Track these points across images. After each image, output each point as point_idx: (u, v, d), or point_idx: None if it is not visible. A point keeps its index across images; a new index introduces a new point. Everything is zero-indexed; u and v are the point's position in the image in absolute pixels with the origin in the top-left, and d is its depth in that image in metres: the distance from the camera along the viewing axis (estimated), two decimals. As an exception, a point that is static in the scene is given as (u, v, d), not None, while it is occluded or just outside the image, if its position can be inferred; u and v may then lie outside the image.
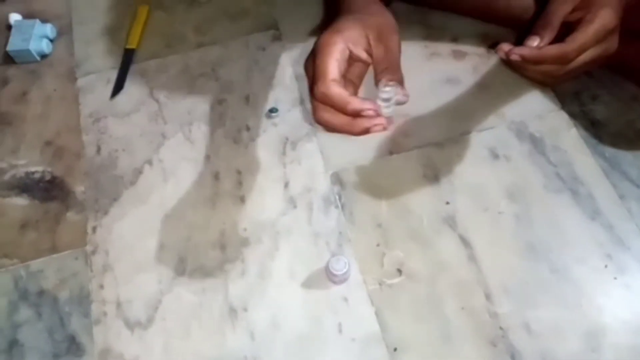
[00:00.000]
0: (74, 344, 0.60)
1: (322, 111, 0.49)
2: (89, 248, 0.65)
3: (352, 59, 0.51)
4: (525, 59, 0.52)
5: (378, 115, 0.48)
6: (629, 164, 0.66)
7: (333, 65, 0.48)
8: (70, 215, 0.68)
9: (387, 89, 0.48)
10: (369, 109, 0.47)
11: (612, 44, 0.53)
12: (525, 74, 0.56)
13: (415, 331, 0.58)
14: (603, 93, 0.71)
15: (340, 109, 0.48)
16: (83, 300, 0.62)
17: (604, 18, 0.51)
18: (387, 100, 0.49)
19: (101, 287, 0.63)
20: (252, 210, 0.66)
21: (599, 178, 0.65)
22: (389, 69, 0.50)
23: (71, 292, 0.63)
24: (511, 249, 0.62)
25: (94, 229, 0.67)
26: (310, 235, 0.64)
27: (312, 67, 0.50)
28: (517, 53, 0.51)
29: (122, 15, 0.85)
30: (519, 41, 0.56)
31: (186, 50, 0.80)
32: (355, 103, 0.47)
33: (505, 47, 0.52)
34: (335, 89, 0.47)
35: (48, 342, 0.60)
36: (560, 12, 0.53)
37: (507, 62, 0.56)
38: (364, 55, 0.50)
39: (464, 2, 0.70)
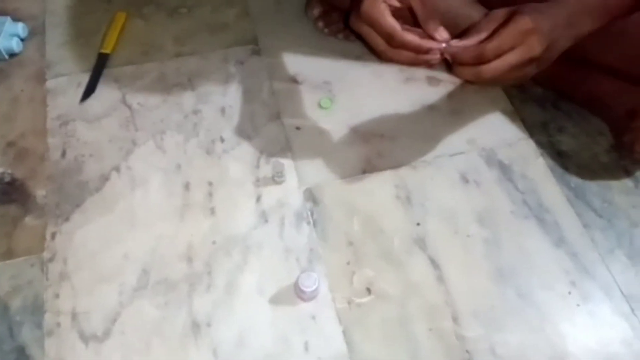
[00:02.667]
0: (23, 356, 0.56)
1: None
2: (46, 255, 0.62)
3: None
4: (452, 56, 0.58)
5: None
6: (593, 195, 0.68)
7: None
8: (29, 220, 0.65)
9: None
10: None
11: (531, 48, 0.56)
12: (458, 73, 0.61)
13: (382, 352, 0.57)
14: (570, 125, 0.74)
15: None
16: (36, 309, 0.59)
17: (518, 22, 0.55)
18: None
19: (57, 296, 0.60)
20: (222, 223, 0.65)
21: (564, 207, 0.67)
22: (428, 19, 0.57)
23: (24, 301, 0.59)
24: (479, 273, 0.62)
25: (53, 235, 0.64)
26: (280, 250, 0.63)
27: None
28: (445, 50, 0.58)
29: (99, 20, 0.83)
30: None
31: (163, 59, 0.79)
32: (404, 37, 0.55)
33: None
34: (388, 20, 0.55)
35: (-6, 353, 0.56)
36: (486, 25, 0.58)
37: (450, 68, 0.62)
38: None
39: None
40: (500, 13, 0.58)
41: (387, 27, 0.56)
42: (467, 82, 0.76)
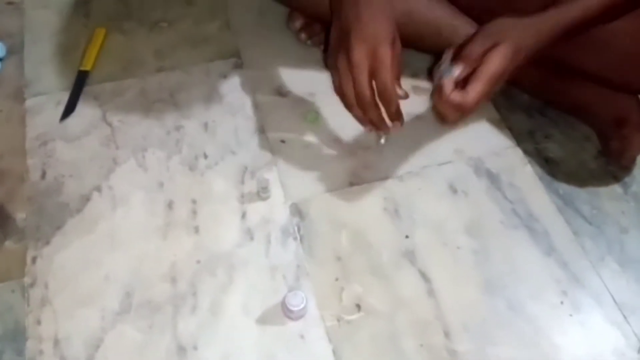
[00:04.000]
0: (3, 386, 0.55)
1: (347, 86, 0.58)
2: (27, 280, 0.61)
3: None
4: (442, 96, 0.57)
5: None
6: (582, 202, 0.68)
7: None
8: (9, 244, 0.63)
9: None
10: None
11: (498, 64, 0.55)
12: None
13: (373, 370, 0.56)
14: (556, 132, 0.74)
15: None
16: (17, 336, 0.57)
17: (491, 64, 0.55)
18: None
19: (38, 322, 0.58)
20: (207, 241, 0.63)
21: (553, 215, 0.67)
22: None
23: (5, 328, 0.58)
24: (470, 285, 0.61)
25: (34, 259, 0.62)
26: (267, 268, 0.62)
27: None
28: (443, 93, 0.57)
29: (78, 37, 0.82)
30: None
31: (144, 75, 0.78)
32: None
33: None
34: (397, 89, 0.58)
35: (-27, 384, 0.55)
36: (475, 49, 0.57)
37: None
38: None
39: None
40: (476, 52, 0.57)
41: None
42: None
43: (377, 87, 0.57)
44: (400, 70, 0.59)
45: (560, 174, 0.70)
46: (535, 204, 0.67)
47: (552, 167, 0.70)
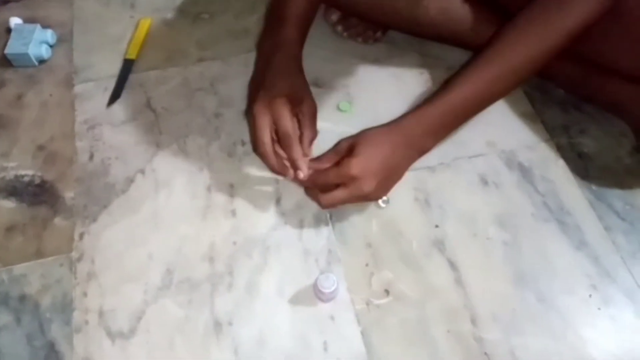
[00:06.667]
0: (52, 352, 0.58)
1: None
2: (74, 255, 0.64)
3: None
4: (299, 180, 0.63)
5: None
6: (614, 197, 0.67)
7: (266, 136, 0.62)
8: (58, 221, 0.67)
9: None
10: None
11: (358, 189, 0.60)
12: (307, 194, 0.67)
13: (400, 353, 0.58)
14: (592, 127, 0.73)
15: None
16: (65, 307, 0.61)
17: (343, 167, 0.60)
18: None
19: (85, 294, 0.62)
20: (243, 224, 0.66)
21: (585, 209, 0.67)
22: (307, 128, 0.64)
23: (53, 299, 0.62)
24: (498, 276, 0.62)
25: (81, 235, 0.66)
26: (299, 252, 0.64)
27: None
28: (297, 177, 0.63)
29: (124, 27, 0.86)
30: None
31: (186, 64, 0.81)
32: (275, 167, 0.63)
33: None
34: (269, 155, 0.63)
35: (26, 348, 0.58)
36: (330, 156, 0.64)
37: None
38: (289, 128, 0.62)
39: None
40: (343, 146, 0.63)
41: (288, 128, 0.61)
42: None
43: (278, 134, 0.62)
44: (314, 133, 0.65)
45: (593, 169, 0.70)
46: (567, 198, 0.67)
47: (585, 162, 0.70)
